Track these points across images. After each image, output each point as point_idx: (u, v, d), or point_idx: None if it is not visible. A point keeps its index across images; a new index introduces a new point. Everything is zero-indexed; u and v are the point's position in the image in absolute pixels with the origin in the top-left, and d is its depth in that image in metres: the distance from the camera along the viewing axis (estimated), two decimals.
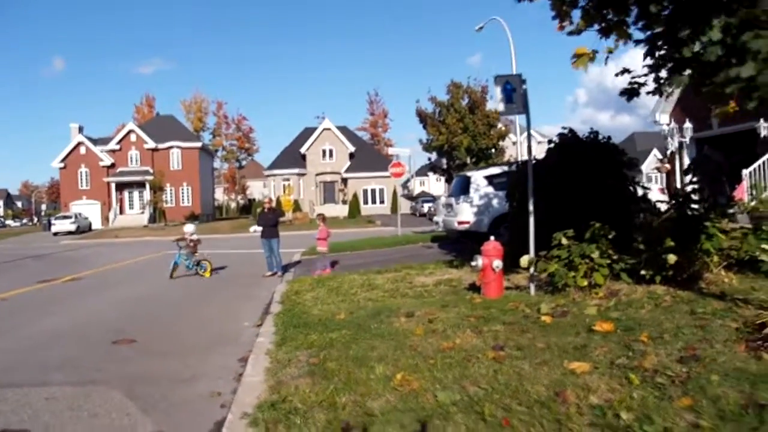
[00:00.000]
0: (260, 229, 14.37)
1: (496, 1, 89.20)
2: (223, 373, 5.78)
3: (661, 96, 5.70)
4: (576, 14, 5.44)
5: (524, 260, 7.95)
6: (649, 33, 5.27)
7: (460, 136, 31.06)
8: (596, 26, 5.44)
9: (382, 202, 56.61)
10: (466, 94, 31.75)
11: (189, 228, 14.79)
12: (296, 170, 57.84)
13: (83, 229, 48.33)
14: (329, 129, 58.87)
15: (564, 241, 7.88)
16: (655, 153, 48.30)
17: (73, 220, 47.51)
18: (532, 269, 8.06)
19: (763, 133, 15.75)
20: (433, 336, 5.90)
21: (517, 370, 4.49)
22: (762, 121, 15.71)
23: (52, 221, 49.75)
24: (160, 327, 8.55)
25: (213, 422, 4.38)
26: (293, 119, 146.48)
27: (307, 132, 61.13)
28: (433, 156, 35.02)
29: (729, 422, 3.25)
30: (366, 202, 56.63)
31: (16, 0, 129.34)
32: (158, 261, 19.86)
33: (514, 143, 34.00)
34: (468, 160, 30.75)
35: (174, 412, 4.82)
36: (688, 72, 5.49)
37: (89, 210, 55.03)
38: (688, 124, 17.58)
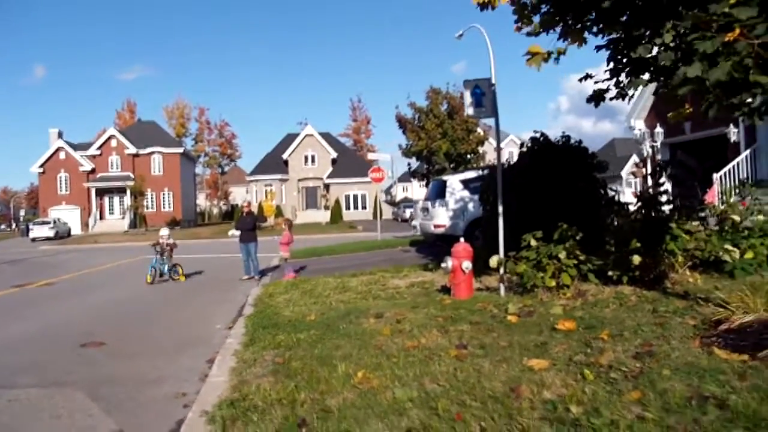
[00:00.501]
0: (238, 233, 14.41)
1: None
2: (190, 375, 5.79)
3: (623, 100, 5.83)
4: (537, 18, 5.54)
5: (494, 261, 8.04)
6: (606, 37, 5.40)
7: (439, 141, 31.26)
8: (554, 30, 5.56)
9: (364, 207, 56.64)
10: (445, 100, 32.01)
11: (164, 232, 14.75)
12: (279, 176, 57.73)
13: (62, 234, 47.80)
14: (311, 135, 58.87)
15: (533, 242, 7.99)
16: (635, 158, 48.92)
17: (51, 225, 46.98)
18: (501, 270, 8.16)
19: (732, 138, 16.08)
20: (400, 336, 5.95)
21: (477, 368, 4.56)
22: (732, 126, 16.04)
23: (30, 227, 49.12)
24: (131, 330, 8.52)
25: (174, 421, 4.39)
26: (276, 125, 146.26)
27: (290, 138, 61.09)
28: (413, 161, 35.20)
29: (673, 414, 3.34)
30: (348, 208, 56.63)
31: None
32: (136, 266, 19.71)
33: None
34: (447, 165, 30.93)
35: (138, 412, 4.83)
36: (646, 75, 5.63)
37: (69, 215, 54.45)
38: (659, 129, 17.91)
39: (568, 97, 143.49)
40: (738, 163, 14.95)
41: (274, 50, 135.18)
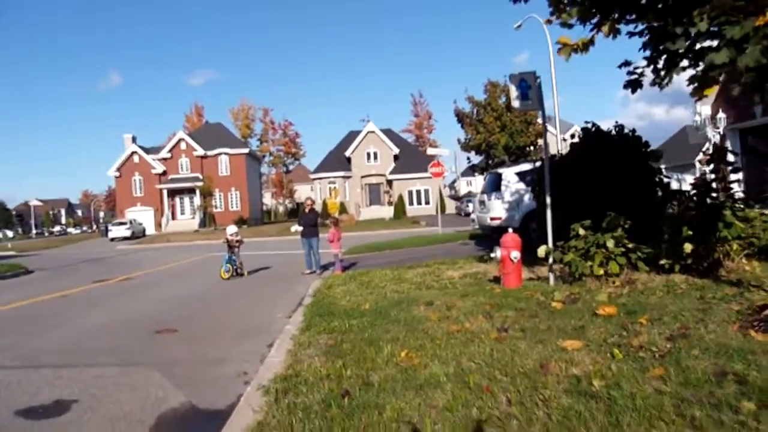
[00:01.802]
0: (301, 228, 14.93)
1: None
2: (251, 357, 6.26)
3: (660, 87, 5.88)
4: (570, 8, 5.67)
5: (541, 251, 8.20)
6: (640, 26, 5.50)
7: (497, 134, 31.11)
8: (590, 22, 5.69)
9: (427, 202, 56.82)
10: (503, 93, 31.76)
11: (232, 229, 15.34)
12: (342, 173, 58.67)
13: (138, 234, 50.35)
14: (373, 132, 59.49)
15: (581, 231, 8.09)
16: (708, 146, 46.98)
17: (128, 226, 49.53)
18: (550, 259, 8.30)
19: None
20: (446, 321, 6.25)
21: (513, 348, 4.82)
22: None
23: (109, 228, 52.00)
24: (200, 319, 9.15)
25: (236, 395, 4.85)
26: (339, 123, 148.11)
27: (352, 135, 61.94)
28: (472, 155, 35.16)
29: (691, 387, 3.51)
30: (411, 203, 56.95)
31: (74, 18, 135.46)
32: (205, 262, 20.78)
33: (564, 140, 33.85)
34: (506, 158, 30.75)
35: (204, 388, 5.34)
36: (684, 62, 5.69)
37: (143, 216, 57.28)
38: (721, 114, 17.30)
39: None
40: None
41: (336, 48, 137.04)
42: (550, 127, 34.56)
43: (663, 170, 10.75)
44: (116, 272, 18.80)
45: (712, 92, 5.40)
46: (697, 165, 45.30)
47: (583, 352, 4.50)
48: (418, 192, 58.14)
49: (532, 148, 32.64)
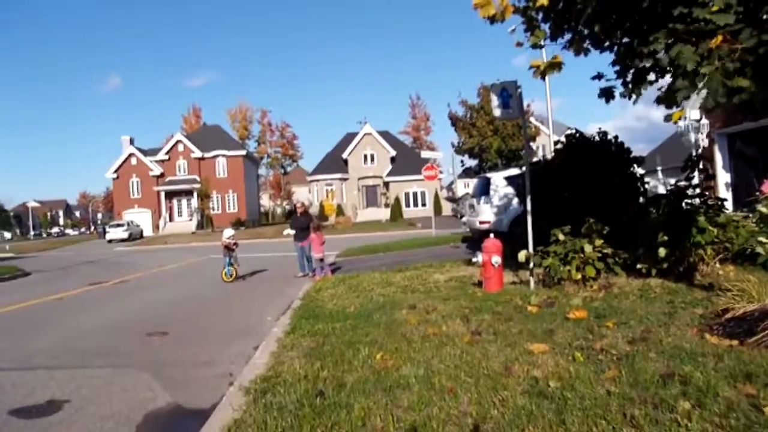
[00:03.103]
0: (293, 232, 15.14)
1: None
2: (238, 359, 6.51)
3: (629, 99, 6.13)
4: (544, 27, 5.93)
5: (522, 255, 8.44)
6: (606, 45, 5.76)
7: (490, 138, 31.47)
8: (559, 41, 5.95)
9: (424, 204, 57.03)
10: None
11: (228, 232, 15.38)
12: (339, 175, 58.88)
13: (135, 236, 50.52)
14: (370, 134, 59.72)
15: (561, 236, 8.35)
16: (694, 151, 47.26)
17: (125, 228, 49.68)
18: (531, 264, 8.55)
19: None
20: (425, 324, 6.50)
21: (483, 351, 5.08)
22: None
23: (107, 229, 52.17)
24: (192, 322, 9.39)
25: (220, 395, 5.09)
26: (337, 125, 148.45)
27: (349, 137, 62.16)
28: (466, 159, 35.46)
29: (638, 388, 3.77)
30: (408, 205, 57.17)
31: (73, 20, 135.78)
32: (201, 265, 21.02)
33: (556, 142, 34.04)
34: (499, 162, 31.07)
35: (191, 388, 5.59)
36: (652, 76, 5.96)
37: (141, 218, 57.47)
38: (704, 121, 17.56)
39: None
40: None
41: (334, 50, 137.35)
42: (544, 129, 34.96)
43: (644, 176, 11.01)
44: (112, 275, 19.03)
45: (680, 116, 5.65)
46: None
47: (548, 355, 4.76)
48: (415, 194, 58.35)
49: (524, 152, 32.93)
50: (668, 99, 5.31)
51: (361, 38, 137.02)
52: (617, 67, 6.14)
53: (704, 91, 4.81)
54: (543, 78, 5.79)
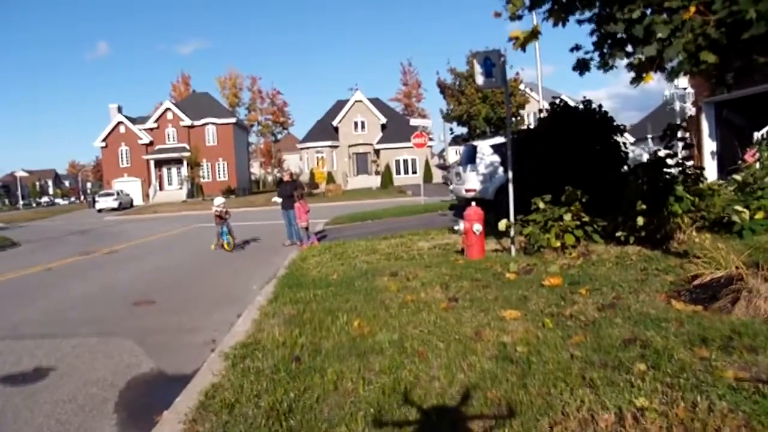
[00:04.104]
0: (281, 200, 15.17)
1: None
2: (221, 326, 6.64)
3: (605, 71, 6.18)
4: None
5: (502, 224, 8.58)
6: (585, 14, 5.79)
7: (478, 105, 31.37)
8: (537, 11, 5.97)
9: (414, 172, 56.95)
10: None
11: (218, 200, 15.26)
12: (329, 143, 58.64)
13: (125, 205, 50.31)
14: (361, 101, 59.31)
15: (541, 205, 8.48)
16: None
17: (115, 197, 49.43)
18: (511, 232, 8.69)
19: None
20: (404, 291, 6.65)
21: (457, 317, 5.23)
22: None
23: (96, 199, 51.90)
24: (179, 291, 9.51)
25: (202, 361, 5.23)
26: (328, 92, 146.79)
27: (339, 104, 61.71)
28: (455, 126, 35.44)
29: (600, 353, 3.92)
30: (399, 173, 57.18)
31: None
32: (191, 234, 21.09)
33: (540, 110, 34.02)
34: (487, 129, 31.06)
35: (174, 355, 5.74)
36: (629, 47, 5.99)
37: (130, 187, 57.17)
38: (689, 90, 17.61)
39: None
40: None
41: (325, 15, 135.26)
42: (534, 95, 34.82)
43: (627, 144, 11.11)
44: (102, 244, 19.09)
45: (650, 79, 5.71)
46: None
47: (519, 322, 4.91)
48: (405, 161, 58.30)
49: (513, 119, 32.93)
50: (639, 67, 5.38)
51: (353, 3, 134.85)
52: (594, 38, 6.17)
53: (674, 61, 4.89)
54: (523, 49, 5.82)
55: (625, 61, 5.74)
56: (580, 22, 6.04)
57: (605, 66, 6.16)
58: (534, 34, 5.66)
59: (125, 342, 6.33)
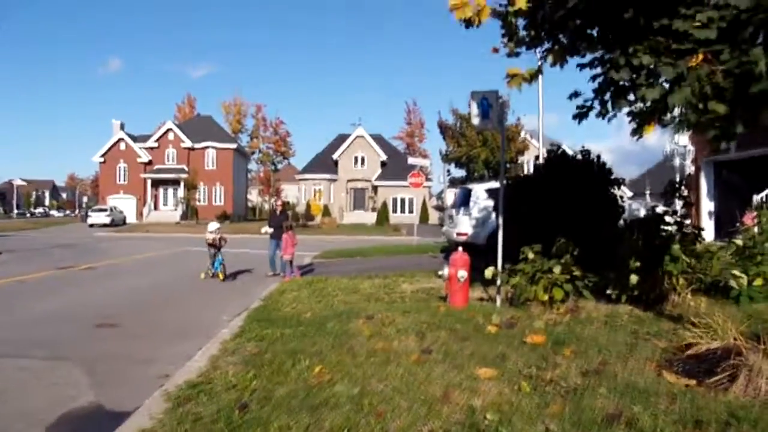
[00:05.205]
0: (271, 230, 14.81)
1: None
2: (179, 359, 6.15)
3: (604, 119, 5.88)
4: (523, 33, 5.67)
5: (488, 272, 8.18)
6: (589, 57, 5.50)
7: (478, 148, 31.27)
8: (536, 50, 5.70)
9: (411, 211, 56.68)
10: None
11: (212, 225, 14.75)
12: (328, 176, 58.55)
13: (117, 222, 49.73)
14: (362, 136, 59.43)
15: (531, 255, 8.08)
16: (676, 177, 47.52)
17: (108, 213, 48.91)
18: (498, 281, 8.29)
19: None
20: (377, 338, 6.20)
21: (427, 373, 4.78)
22: None
23: (89, 213, 51.40)
24: (146, 315, 9.05)
25: (147, 397, 4.76)
26: (330, 126, 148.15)
27: (341, 138, 61.84)
28: (453, 168, 35.32)
29: (579, 428, 3.49)
30: (395, 211, 56.92)
31: (73, 2, 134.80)
32: (177, 256, 20.61)
33: (537, 157, 34.06)
34: (486, 173, 30.89)
35: (119, 388, 5.27)
36: (631, 96, 5.70)
37: (125, 204, 56.71)
38: (690, 147, 17.44)
39: None
40: None
41: (333, 50, 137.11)
42: (535, 142, 34.79)
43: (625, 198, 10.80)
44: (84, 259, 18.60)
45: (651, 129, 5.41)
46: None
47: (494, 383, 4.47)
48: (403, 200, 58.10)
49: (511, 164, 32.78)
50: (641, 116, 5.07)
51: (362, 41, 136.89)
52: (595, 85, 5.88)
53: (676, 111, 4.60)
54: (519, 88, 5.52)
55: (626, 109, 5.42)
56: (580, 66, 5.75)
57: (605, 114, 5.86)
58: (532, 74, 5.37)
59: (73, 369, 5.86)
